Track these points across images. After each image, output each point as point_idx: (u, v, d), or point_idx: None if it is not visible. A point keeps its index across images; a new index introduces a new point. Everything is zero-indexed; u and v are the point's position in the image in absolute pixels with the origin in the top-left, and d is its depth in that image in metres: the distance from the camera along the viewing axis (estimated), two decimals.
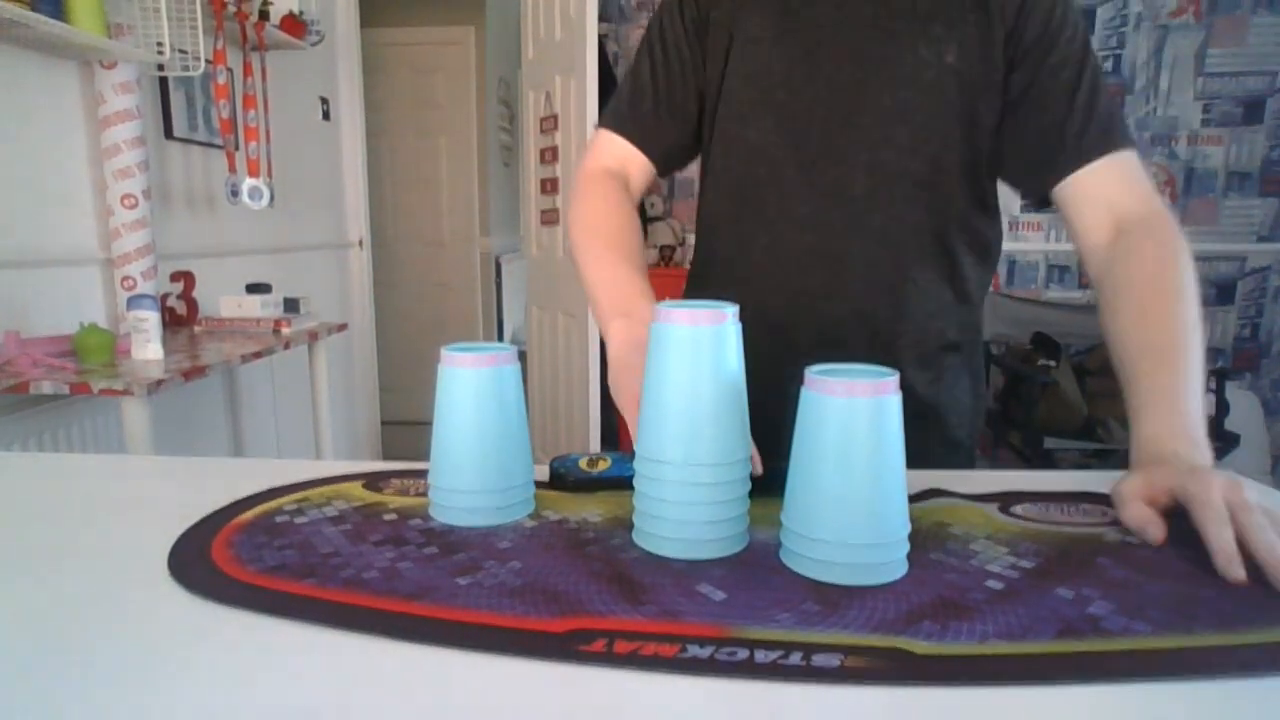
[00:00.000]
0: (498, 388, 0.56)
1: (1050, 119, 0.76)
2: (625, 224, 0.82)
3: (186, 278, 2.08)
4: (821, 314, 0.82)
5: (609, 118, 0.89)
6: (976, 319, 0.88)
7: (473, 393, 0.55)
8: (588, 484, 0.62)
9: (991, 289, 3.21)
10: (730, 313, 0.50)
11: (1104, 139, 0.75)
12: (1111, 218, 0.74)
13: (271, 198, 2.26)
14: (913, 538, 0.48)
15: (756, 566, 0.49)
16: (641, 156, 0.87)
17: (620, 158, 0.87)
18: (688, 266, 0.96)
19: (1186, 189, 3.20)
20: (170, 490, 0.65)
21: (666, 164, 0.90)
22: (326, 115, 3.02)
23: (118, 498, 0.63)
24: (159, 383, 1.46)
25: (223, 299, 2.09)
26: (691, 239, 1.16)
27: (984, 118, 0.79)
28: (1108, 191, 0.74)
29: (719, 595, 0.44)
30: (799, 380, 0.48)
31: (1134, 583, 0.46)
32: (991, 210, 0.85)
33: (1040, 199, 0.79)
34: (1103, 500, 0.60)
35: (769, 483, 0.52)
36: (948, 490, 0.62)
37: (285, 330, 2.04)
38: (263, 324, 2.05)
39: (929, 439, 0.82)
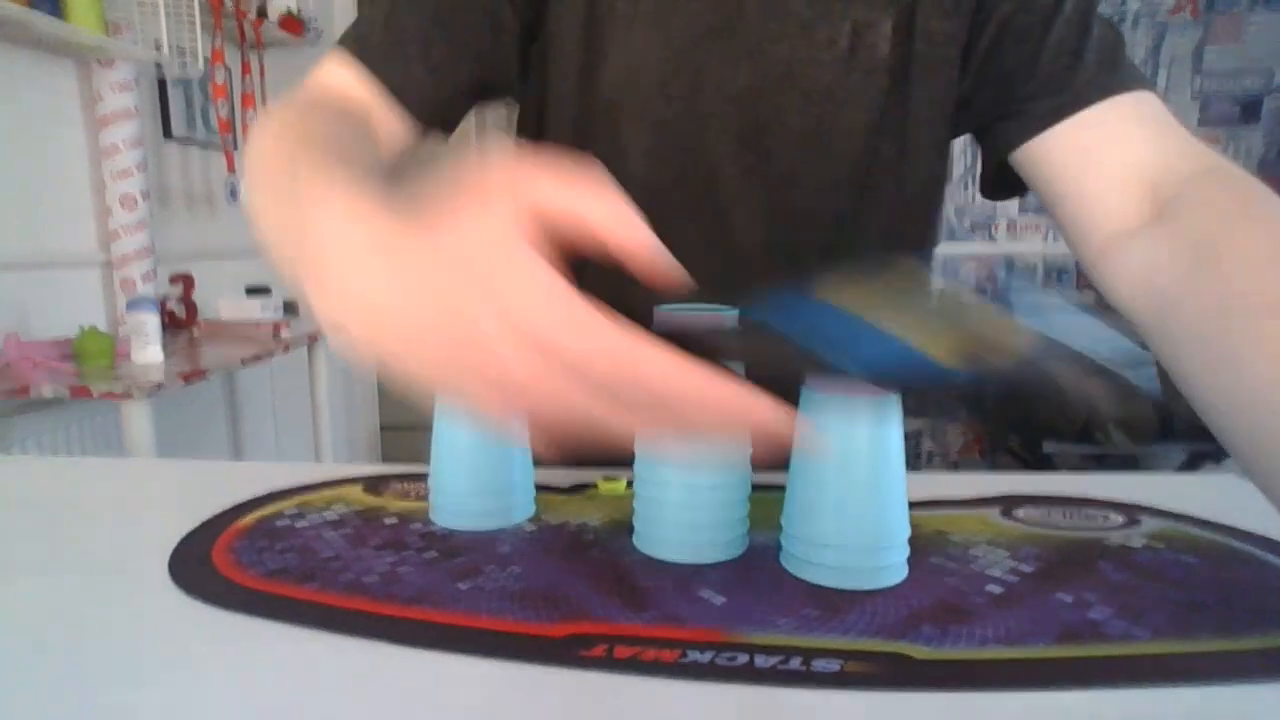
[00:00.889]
0: None
1: (1021, 54, 0.55)
2: (351, 133, 0.48)
3: (186, 280, 2.08)
4: None
5: (350, 40, 0.57)
6: None
7: None
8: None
9: (989, 291, 3.21)
10: (730, 315, 0.50)
11: (1107, 72, 0.53)
12: (1138, 184, 0.50)
13: None
14: (913, 542, 0.48)
15: (756, 571, 0.49)
16: (395, 104, 0.55)
17: (359, 95, 0.55)
18: None
19: None
20: (170, 494, 0.65)
21: (435, 120, 0.58)
22: None
23: (118, 501, 0.63)
24: (158, 386, 1.46)
25: (222, 301, 2.09)
26: None
27: (935, 118, 0.59)
28: (1125, 146, 0.51)
29: (719, 600, 0.44)
30: None
31: (1135, 587, 0.46)
32: (937, 232, 0.66)
33: (1008, 184, 0.58)
34: (1105, 504, 0.61)
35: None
36: (949, 497, 0.62)
37: (285, 333, 2.04)
38: (262, 327, 2.05)
39: None
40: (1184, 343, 0.41)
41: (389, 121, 0.55)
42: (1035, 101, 0.54)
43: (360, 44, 0.55)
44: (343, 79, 0.55)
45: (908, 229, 0.63)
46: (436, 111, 0.57)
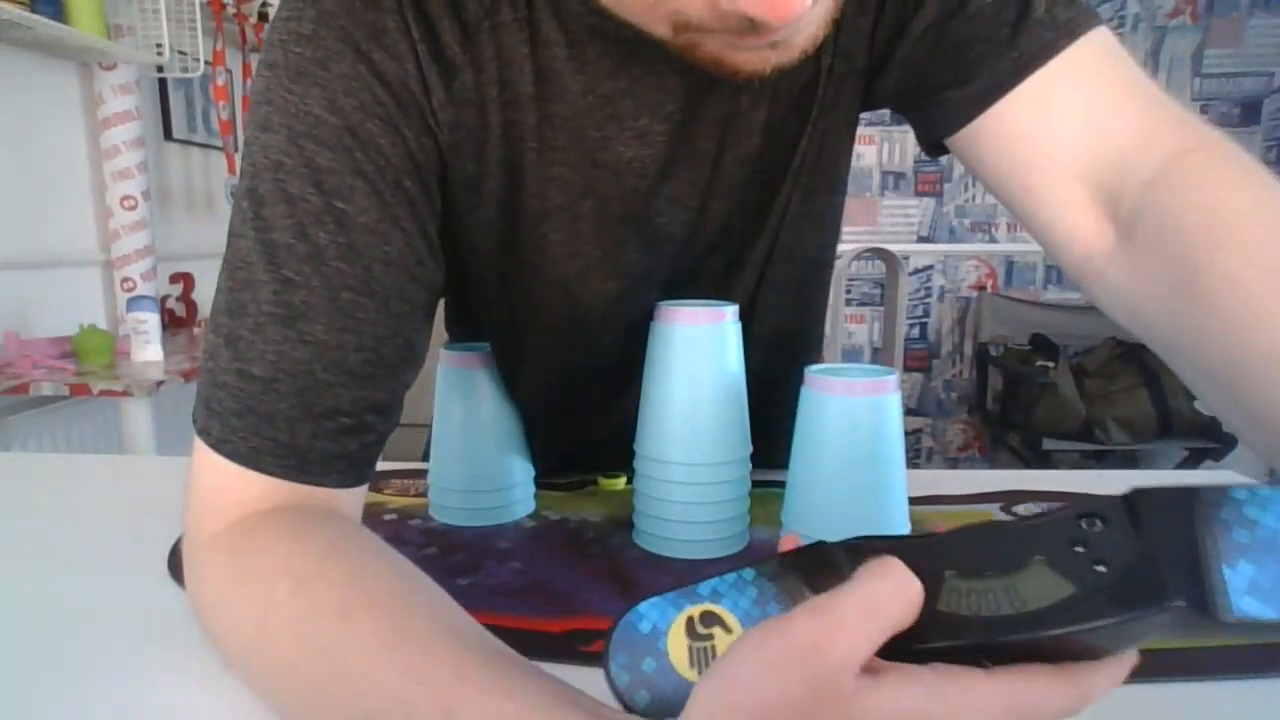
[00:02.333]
0: (496, 387, 0.56)
1: (936, 26, 0.45)
2: (387, 569, 0.36)
3: (186, 279, 2.08)
4: None
5: (227, 432, 0.39)
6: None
7: (472, 392, 0.55)
8: None
9: (989, 290, 3.21)
10: (729, 311, 0.50)
11: (1023, 33, 0.42)
12: (1095, 193, 0.43)
13: None
14: None
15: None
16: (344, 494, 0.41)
17: (291, 497, 0.39)
18: None
19: None
20: (170, 490, 0.64)
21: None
22: None
23: (117, 498, 0.63)
24: (158, 384, 1.46)
25: None
26: None
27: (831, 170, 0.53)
28: (1066, 142, 0.43)
29: None
30: None
31: None
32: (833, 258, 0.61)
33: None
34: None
35: None
36: (950, 494, 0.62)
37: None
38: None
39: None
40: (1189, 371, 0.40)
41: (348, 499, 0.41)
42: (949, 90, 0.45)
43: (248, 443, 0.38)
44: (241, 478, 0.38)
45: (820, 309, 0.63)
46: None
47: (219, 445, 0.39)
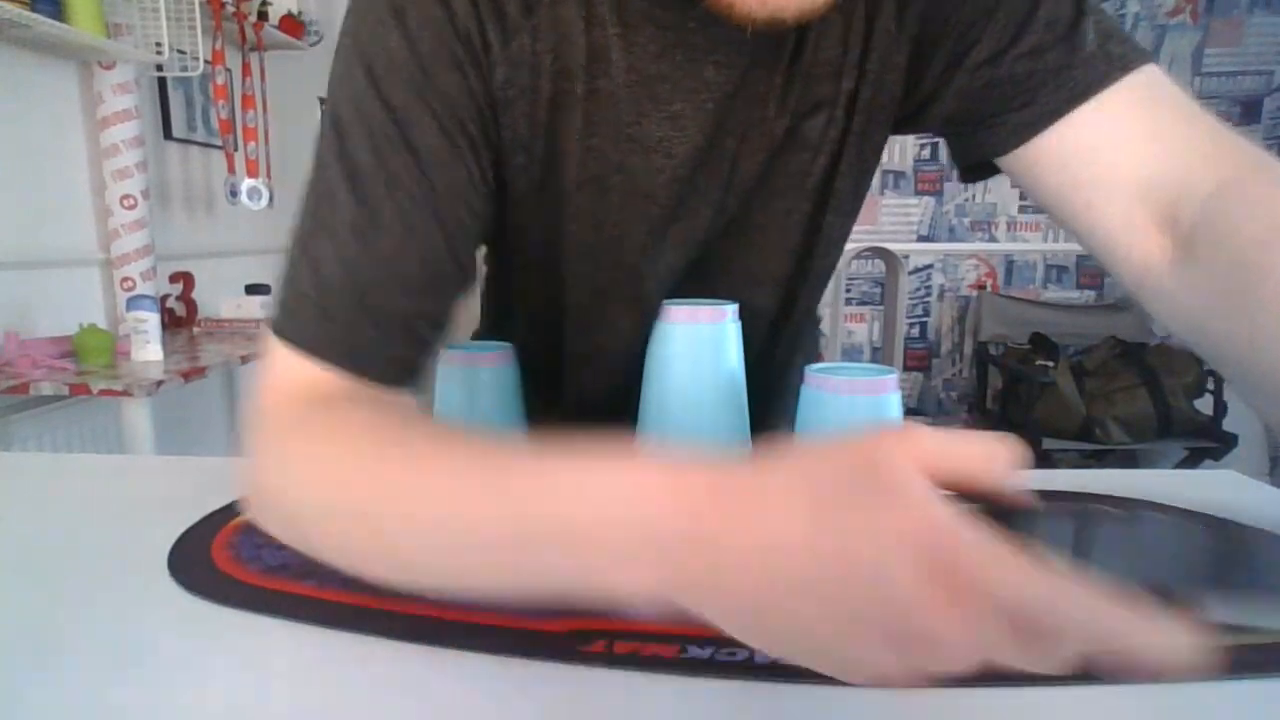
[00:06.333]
0: (497, 387, 0.56)
1: (992, 60, 0.47)
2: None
3: (186, 279, 2.08)
4: None
5: (301, 330, 0.44)
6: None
7: (471, 392, 0.55)
8: None
9: (989, 289, 3.21)
10: (730, 310, 0.50)
11: (1082, 64, 0.45)
12: (1154, 208, 0.45)
13: (270, 198, 2.26)
14: None
15: None
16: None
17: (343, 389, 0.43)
18: None
19: None
20: (170, 490, 0.65)
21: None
22: None
23: (117, 498, 0.63)
24: (158, 384, 1.46)
25: (222, 300, 2.09)
26: None
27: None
28: (1125, 160, 0.45)
29: None
30: None
31: None
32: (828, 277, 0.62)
33: (989, 167, 0.51)
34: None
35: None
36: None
37: None
38: (262, 325, 2.05)
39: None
40: (1247, 381, 0.41)
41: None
42: (1005, 114, 0.48)
43: (307, 330, 0.43)
44: (299, 368, 0.43)
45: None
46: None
47: (301, 345, 0.43)
